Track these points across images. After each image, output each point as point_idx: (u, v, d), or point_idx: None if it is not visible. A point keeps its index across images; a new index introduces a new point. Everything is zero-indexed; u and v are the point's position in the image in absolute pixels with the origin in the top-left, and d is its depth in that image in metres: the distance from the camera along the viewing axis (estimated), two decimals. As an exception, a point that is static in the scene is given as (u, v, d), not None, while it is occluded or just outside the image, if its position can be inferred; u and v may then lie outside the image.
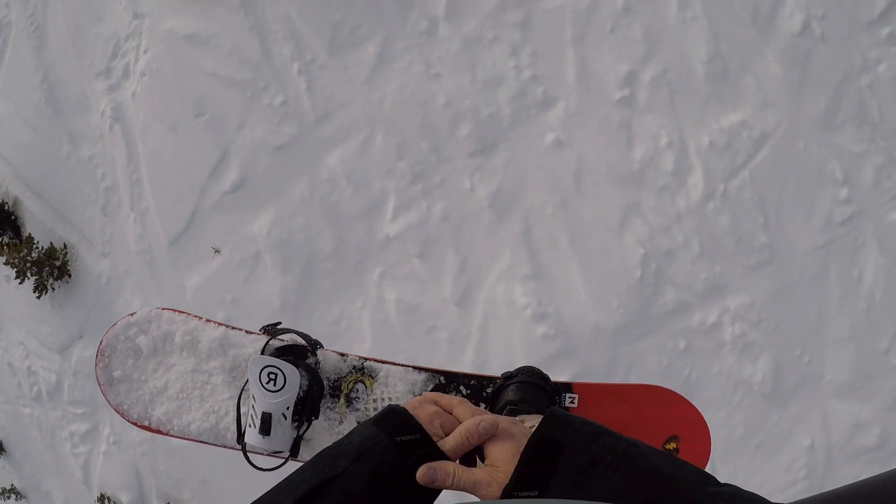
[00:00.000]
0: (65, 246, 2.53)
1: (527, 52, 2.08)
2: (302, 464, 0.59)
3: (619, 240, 2.00)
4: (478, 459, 0.58)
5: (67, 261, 2.51)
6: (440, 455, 0.55)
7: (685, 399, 1.13)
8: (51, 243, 2.54)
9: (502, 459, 0.53)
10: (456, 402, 0.62)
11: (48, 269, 2.48)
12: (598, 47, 2.09)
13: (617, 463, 0.47)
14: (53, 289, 2.52)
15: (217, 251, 2.16)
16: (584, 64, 2.08)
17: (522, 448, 0.52)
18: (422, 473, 0.53)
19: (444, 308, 1.98)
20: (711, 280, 2.11)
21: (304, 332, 1.08)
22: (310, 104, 2.11)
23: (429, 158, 2.02)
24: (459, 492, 0.53)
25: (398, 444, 0.54)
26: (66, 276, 2.51)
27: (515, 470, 0.50)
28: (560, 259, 1.99)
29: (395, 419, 0.57)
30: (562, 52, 2.09)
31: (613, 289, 2.01)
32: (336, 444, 0.57)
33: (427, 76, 2.06)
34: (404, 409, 0.59)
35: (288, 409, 0.96)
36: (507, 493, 0.49)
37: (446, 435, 0.58)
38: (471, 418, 0.58)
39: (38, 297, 2.52)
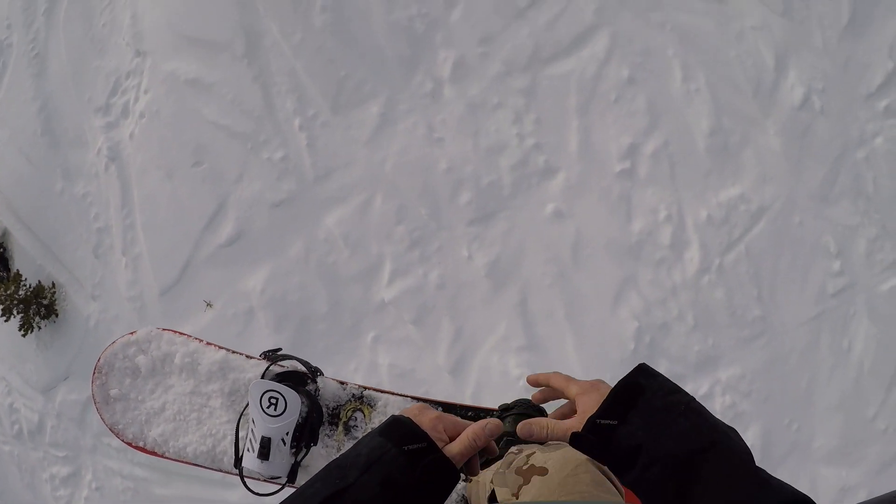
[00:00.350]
0: (53, 285, 2.49)
1: (530, 119, 2.08)
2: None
3: (614, 313, 2.01)
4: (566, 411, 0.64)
5: (55, 300, 2.46)
6: (447, 462, 0.58)
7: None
8: (39, 281, 2.49)
9: (590, 405, 0.59)
10: (552, 374, 0.71)
11: (35, 307, 2.43)
12: (602, 117, 2.09)
13: (688, 413, 0.53)
14: (40, 328, 2.48)
15: (209, 304, 2.14)
16: (587, 134, 2.08)
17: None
18: (520, 428, 0.62)
19: (438, 375, 1.97)
20: (704, 352, 2.13)
21: (305, 359, 1.08)
22: (310, 162, 2.10)
23: (428, 224, 2.01)
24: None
25: (406, 452, 0.56)
26: (54, 316, 2.47)
27: (602, 403, 0.58)
28: (555, 331, 1.99)
29: (401, 429, 0.59)
30: (565, 120, 2.09)
31: (607, 361, 2.01)
32: (344, 456, 0.59)
33: (430, 140, 2.06)
34: (409, 418, 0.61)
35: (287, 434, 0.96)
36: (591, 421, 0.57)
37: (450, 437, 0.61)
38: (477, 422, 0.62)
39: (24, 336, 2.47)
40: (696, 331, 2.11)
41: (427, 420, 0.61)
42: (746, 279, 2.15)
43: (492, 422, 0.61)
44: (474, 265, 2.00)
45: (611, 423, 0.55)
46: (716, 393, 2.19)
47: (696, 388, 2.17)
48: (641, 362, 0.61)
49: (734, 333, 2.14)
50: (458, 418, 0.64)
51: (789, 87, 2.31)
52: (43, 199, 2.55)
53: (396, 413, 0.64)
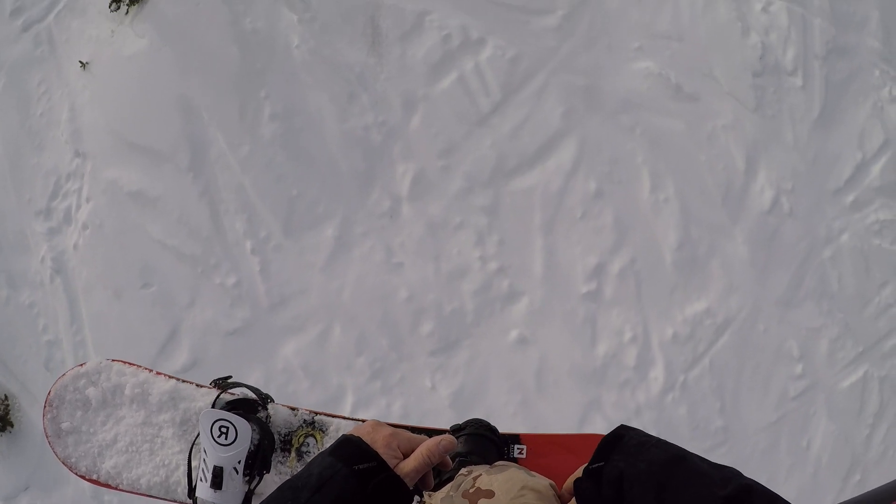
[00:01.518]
0: (6, 397, 2.39)
1: (493, 241, 2.01)
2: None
3: (578, 437, 2.01)
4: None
5: (9, 411, 2.38)
6: (398, 480, 0.58)
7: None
8: (-10, 393, 2.40)
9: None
10: None
11: (-12, 417, 2.35)
12: (567, 236, 2.03)
13: (659, 444, 0.62)
14: (-5, 439, 2.40)
15: (167, 432, 2.08)
16: (551, 254, 2.02)
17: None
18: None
19: (402, 505, 1.97)
20: (667, 465, 2.15)
21: (255, 386, 1.09)
22: (264, 289, 2.01)
23: (389, 355, 1.96)
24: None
25: (357, 472, 0.57)
26: (9, 427, 2.39)
27: (594, 454, 0.63)
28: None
29: (351, 448, 0.60)
30: (529, 240, 2.02)
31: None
32: (296, 477, 0.59)
33: (388, 266, 1.98)
34: (359, 437, 0.61)
35: (239, 462, 0.97)
36: (585, 469, 0.63)
37: (404, 454, 0.61)
38: (431, 438, 0.63)
39: (-21, 445, 2.39)
40: (660, 445, 2.13)
41: (381, 438, 0.61)
42: (709, 392, 2.16)
43: (446, 438, 0.62)
44: (438, 395, 1.97)
45: (599, 465, 0.61)
46: (678, 498, 2.24)
47: (658, 495, 2.21)
48: (621, 425, 0.66)
49: (696, 445, 2.16)
50: (413, 434, 0.64)
51: (759, 189, 2.26)
52: (-13, 305, 2.42)
53: (349, 433, 0.64)
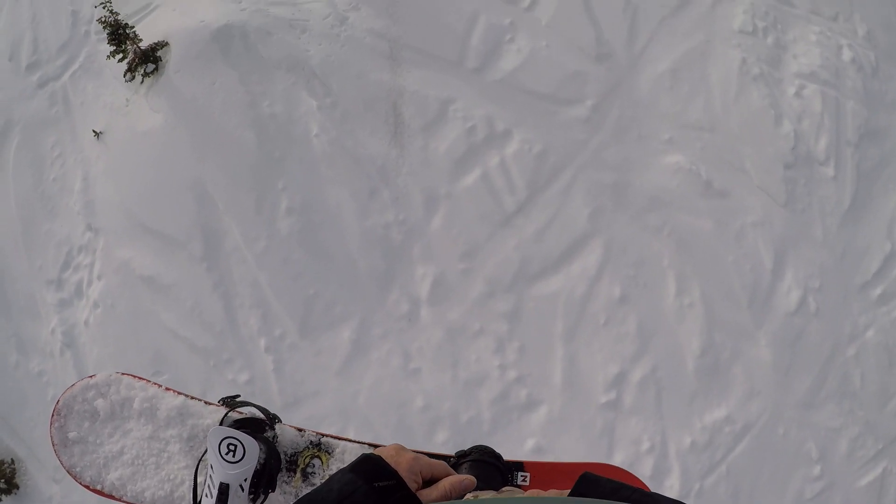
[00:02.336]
0: (13, 461, 2.39)
1: (513, 348, 1.97)
2: None
3: (591, 546, 1.99)
4: None
5: (16, 475, 2.37)
6: (415, 499, 0.61)
7: (633, 475, 1.20)
8: (-3, 460, 2.39)
9: None
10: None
11: (-5, 484, 2.34)
12: (589, 343, 1.98)
13: None
14: (1, 500, 2.40)
15: (177, 522, 2.07)
16: (572, 363, 1.98)
17: None
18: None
19: None
20: (678, 569, 2.14)
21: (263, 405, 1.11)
22: (277, 388, 1.97)
23: (403, 462, 1.94)
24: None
25: (376, 489, 0.59)
26: (15, 489, 2.39)
27: None
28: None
29: (371, 466, 0.62)
30: (550, 348, 1.97)
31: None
32: (316, 491, 0.61)
33: (405, 371, 1.94)
34: (379, 456, 0.64)
35: (245, 480, 0.98)
36: None
37: (424, 479, 0.65)
38: (454, 476, 0.66)
39: (-13, 511, 2.39)
40: (672, 551, 2.11)
41: (405, 461, 0.63)
42: (725, 498, 2.13)
43: (468, 479, 0.66)
44: None
45: None
46: None
47: None
48: (584, 473, 0.61)
49: (708, 550, 2.15)
50: (434, 461, 0.67)
51: (786, 290, 2.20)
52: (-4, 372, 2.40)
53: (369, 452, 0.66)
